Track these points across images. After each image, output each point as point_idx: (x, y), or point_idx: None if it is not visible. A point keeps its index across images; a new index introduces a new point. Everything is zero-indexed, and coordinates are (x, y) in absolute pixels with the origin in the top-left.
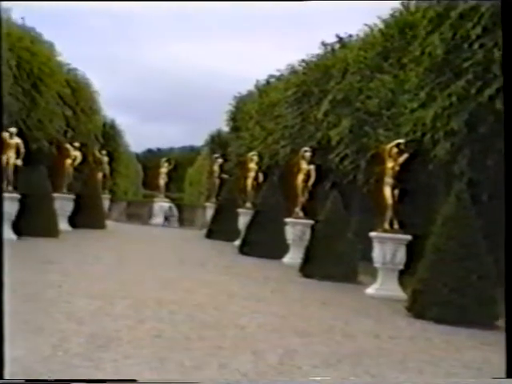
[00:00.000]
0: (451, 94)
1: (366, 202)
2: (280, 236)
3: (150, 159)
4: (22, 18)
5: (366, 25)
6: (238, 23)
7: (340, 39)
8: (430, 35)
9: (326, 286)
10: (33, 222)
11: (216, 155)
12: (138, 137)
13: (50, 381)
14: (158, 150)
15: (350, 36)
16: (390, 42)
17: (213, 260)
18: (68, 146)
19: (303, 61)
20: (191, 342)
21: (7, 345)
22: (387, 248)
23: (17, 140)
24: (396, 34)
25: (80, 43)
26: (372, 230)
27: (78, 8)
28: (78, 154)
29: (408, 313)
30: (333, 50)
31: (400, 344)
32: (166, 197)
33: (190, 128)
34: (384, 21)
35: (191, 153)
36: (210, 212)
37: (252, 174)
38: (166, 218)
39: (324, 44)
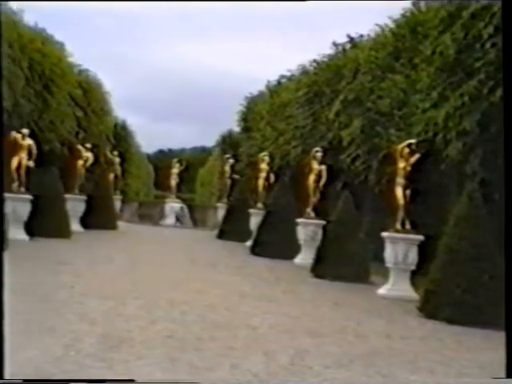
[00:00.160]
0: (463, 94)
1: (378, 202)
2: (291, 236)
3: (161, 160)
4: (35, 22)
5: (377, 25)
6: (241, 23)
7: (351, 39)
8: (442, 35)
9: (338, 286)
10: (45, 222)
11: (227, 156)
12: (149, 137)
13: (48, 381)
14: (170, 150)
15: (361, 36)
16: (402, 41)
17: (224, 260)
18: (80, 147)
19: (314, 61)
20: (203, 342)
21: (20, 346)
22: (399, 248)
23: (29, 141)
24: (407, 33)
25: (86, 43)
26: (384, 230)
27: (83, 8)
28: (89, 155)
29: (420, 313)
30: (344, 50)
31: (411, 344)
32: (178, 197)
33: (200, 128)
34: (395, 21)
35: (202, 153)
36: (221, 212)
37: (263, 175)
38: (178, 219)
39: (335, 44)
